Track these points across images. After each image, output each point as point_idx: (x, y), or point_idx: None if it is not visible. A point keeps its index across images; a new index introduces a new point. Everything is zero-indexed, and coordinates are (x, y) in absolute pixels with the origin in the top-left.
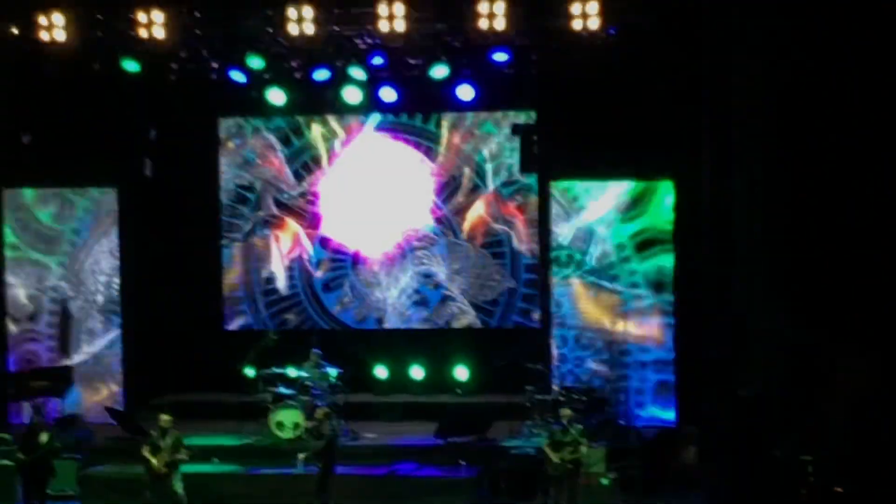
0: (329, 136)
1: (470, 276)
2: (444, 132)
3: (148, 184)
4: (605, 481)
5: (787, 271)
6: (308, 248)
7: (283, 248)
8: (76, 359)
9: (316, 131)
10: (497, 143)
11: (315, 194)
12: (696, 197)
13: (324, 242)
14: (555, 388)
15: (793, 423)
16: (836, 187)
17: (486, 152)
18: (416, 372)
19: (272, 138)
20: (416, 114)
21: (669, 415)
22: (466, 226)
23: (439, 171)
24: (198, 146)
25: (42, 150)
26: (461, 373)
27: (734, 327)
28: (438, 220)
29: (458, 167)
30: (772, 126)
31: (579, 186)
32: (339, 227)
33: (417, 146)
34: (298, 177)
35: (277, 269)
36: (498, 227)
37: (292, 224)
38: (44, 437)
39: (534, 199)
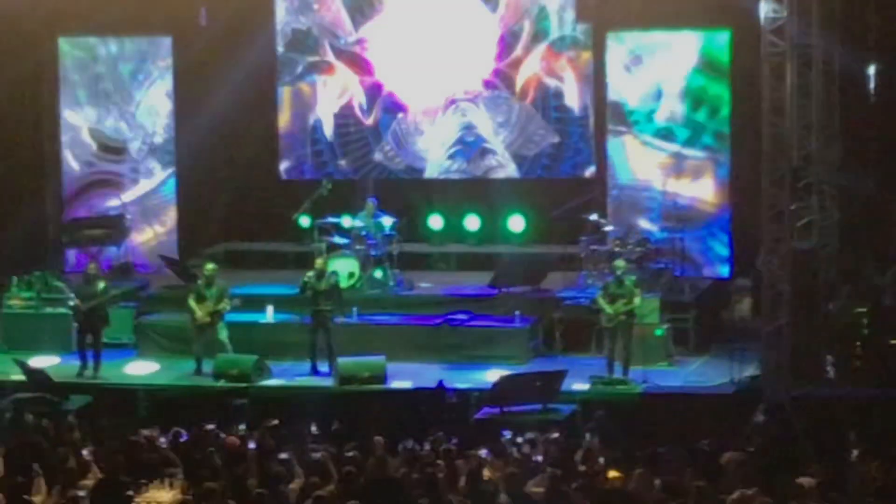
0: None
1: (514, 130)
2: None
3: (203, 32)
4: (658, 332)
5: (847, 122)
6: (360, 95)
7: (332, 95)
8: (127, 197)
9: None
10: None
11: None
12: (753, 49)
13: (375, 90)
14: (609, 238)
15: (848, 276)
16: None
17: (546, 4)
18: (471, 222)
19: None
20: None
21: (724, 269)
22: (520, 81)
23: (499, 24)
24: None
25: None
26: (516, 223)
27: (792, 179)
28: (494, 73)
29: (519, 20)
30: None
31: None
32: (392, 75)
33: None
34: (356, 22)
35: (325, 116)
36: (550, 82)
37: (343, 70)
38: (100, 286)
39: (586, 55)
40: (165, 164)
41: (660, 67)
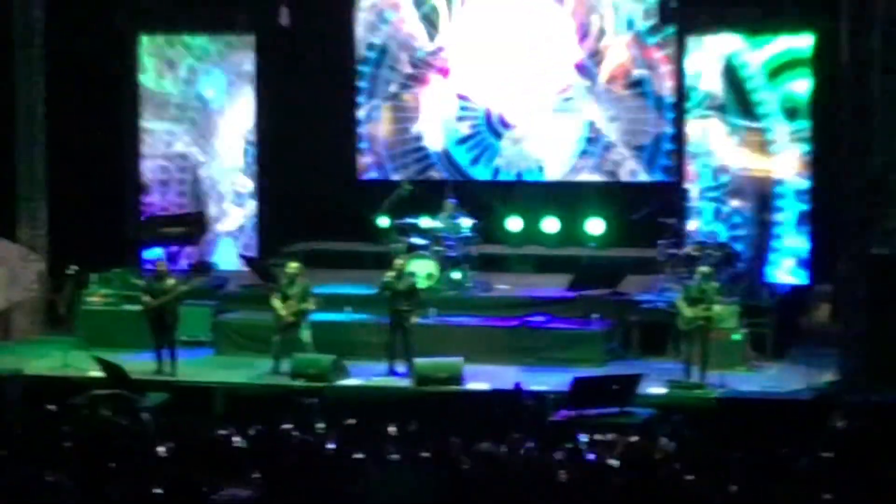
0: None
1: (624, 122)
2: None
3: (284, 33)
4: (736, 337)
5: None
6: (454, 105)
7: (431, 106)
8: (227, 224)
9: None
10: None
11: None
12: (835, 55)
13: (464, 97)
14: (688, 243)
15: None
16: None
17: None
18: (550, 224)
19: None
20: None
21: (803, 273)
22: (606, 73)
23: (572, 17)
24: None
25: None
26: (595, 226)
27: (871, 186)
28: (581, 67)
29: (589, 11)
30: None
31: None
32: (476, 80)
33: None
34: (431, 33)
35: (426, 127)
36: (638, 71)
37: (436, 80)
38: (170, 283)
39: (670, 45)
40: (251, 176)
41: (743, 57)
